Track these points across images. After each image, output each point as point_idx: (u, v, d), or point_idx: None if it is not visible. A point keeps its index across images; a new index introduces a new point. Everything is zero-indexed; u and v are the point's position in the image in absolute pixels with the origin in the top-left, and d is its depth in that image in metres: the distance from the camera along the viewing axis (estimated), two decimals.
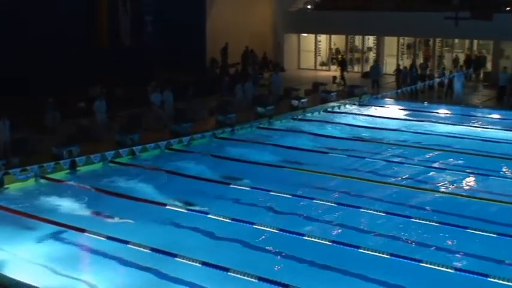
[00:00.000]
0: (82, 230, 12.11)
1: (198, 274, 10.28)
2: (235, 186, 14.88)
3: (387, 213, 13.08)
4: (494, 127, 22.39)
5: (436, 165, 17.18)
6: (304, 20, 37.46)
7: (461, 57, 34.20)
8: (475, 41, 35.37)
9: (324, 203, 13.65)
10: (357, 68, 38.05)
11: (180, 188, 14.85)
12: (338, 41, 39.42)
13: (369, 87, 29.34)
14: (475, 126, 22.51)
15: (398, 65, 32.40)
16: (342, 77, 32.26)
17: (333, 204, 13.55)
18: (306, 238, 11.66)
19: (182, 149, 18.61)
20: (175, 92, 21.91)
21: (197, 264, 10.51)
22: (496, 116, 24.63)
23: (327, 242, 11.40)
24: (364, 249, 11.00)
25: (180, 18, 28.09)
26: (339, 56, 36.39)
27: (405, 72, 30.06)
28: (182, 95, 23.16)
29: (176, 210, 13.39)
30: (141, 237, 11.65)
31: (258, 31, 37.07)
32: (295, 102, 24.92)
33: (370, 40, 38.48)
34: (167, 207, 13.54)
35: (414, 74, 29.76)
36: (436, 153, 18.38)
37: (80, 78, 22.81)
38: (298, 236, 11.79)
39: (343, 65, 33.60)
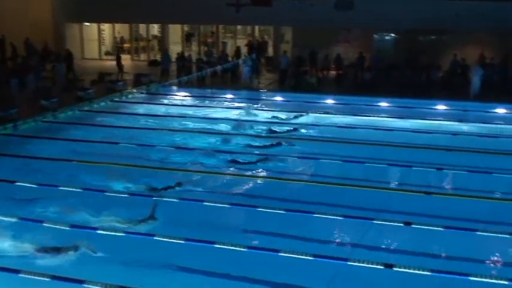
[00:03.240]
0: None
1: None
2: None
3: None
4: (276, 109, 23.61)
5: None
6: (84, 8, 36.38)
7: (244, 44, 35.74)
8: (257, 27, 37.15)
9: (113, 194, 13.43)
10: (143, 57, 37.99)
11: None
12: (122, 29, 38.99)
13: (156, 75, 29.53)
14: (263, 110, 23.68)
15: (181, 53, 32.83)
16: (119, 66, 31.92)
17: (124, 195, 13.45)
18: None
19: None
20: None
21: None
22: (279, 98, 26.14)
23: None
24: None
25: None
26: (123, 45, 36.06)
27: (189, 59, 30.67)
28: None
29: None
30: None
31: (38, 20, 35.29)
32: (80, 93, 24.24)
33: (155, 28, 38.63)
34: None
35: (200, 61, 30.51)
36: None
37: None
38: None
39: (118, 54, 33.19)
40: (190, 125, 20.64)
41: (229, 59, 31.87)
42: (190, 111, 23.03)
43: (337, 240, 11.00)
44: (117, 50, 33.71)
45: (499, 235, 10.84)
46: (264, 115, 22.52)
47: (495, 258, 10.24)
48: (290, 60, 30.06)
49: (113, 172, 14.45)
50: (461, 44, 30.99)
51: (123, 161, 15.57)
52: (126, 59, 34.54)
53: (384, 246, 10.71)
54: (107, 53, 38.42)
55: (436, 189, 13.83)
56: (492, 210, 12.48)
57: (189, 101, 25.92)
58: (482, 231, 10.93)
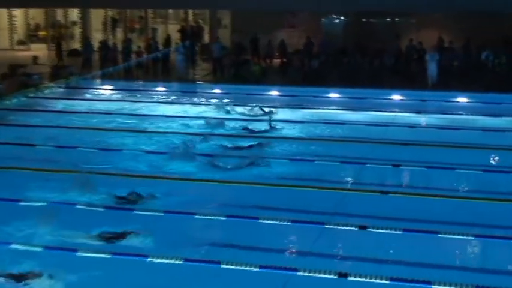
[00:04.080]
0: None
1: None
2: None
3: None
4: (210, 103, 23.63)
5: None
6: None
7: (176, 30, 35.46)
8: (191, 11, 36.86)
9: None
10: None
11: None
12: (37, 15, 38.12)
13: (77, 67, 29.00)
14: (198, 104, 23.49)
15: (104, 41, 32.30)
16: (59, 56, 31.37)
17: None
18: None
19: None
20: None
21: None
22: (217, 90, 25.98)
23: None
24: None
25: None
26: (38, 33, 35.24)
27: (113, 48, 30.24)
28: None
29: None
30: None
31: None
32: None
33: (75, 13, 37.88)
34: None
35: (125, 50, 30.12)
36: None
37: None
38: None
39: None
40: (117, 122, 20.31)
41: (160, 47, 31.53)
42: (116, 107, 22.70)
43: (285, 249, 10.92)
44: (57, 37, 32.92)
45: (463, 237, 10.94)
46: (196, 110, 22.45)
47: (459, 263, 10.34)
48: (224, 48, 30.00)
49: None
50: (418, 28, 31.54)
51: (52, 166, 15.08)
52: (41, 49, 33.76)
53: (336, 253, 10.68)
54: (20, 43, 37.48)
55: (392, 188, 13.88)
56: (455, 210, 12.60)
57: (115, 95, 25.54)
58: (445, 234, 10.98)
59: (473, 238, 10.98)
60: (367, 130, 19.25)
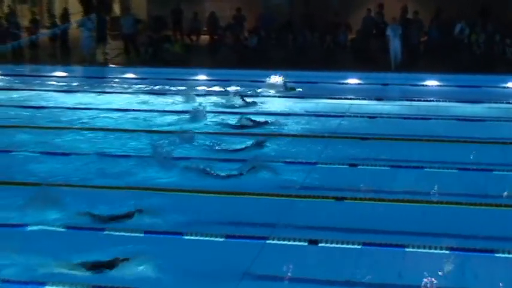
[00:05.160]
0: None
1: None
2: None
3: None
4: (125, 91, 23.64)
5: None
6: None
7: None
8: None
9: None
10: None
11: None
12: None
13: None
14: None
15: None
16: None
17: None
18: None
19: None
20: None
21: None
22: (131, 75, 25.90)
23: None
24: None
25: None
26: None
27: None
28: None
29: None
30: None
31: None
32: None
33: None
34: None
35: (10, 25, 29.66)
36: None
37: None
38: None
39: None
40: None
41: (57, 21, 31.07)
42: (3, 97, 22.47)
43: (220, 268, 10.77)
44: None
45: (435, 251, 10.99)
46: (104, 99, 22.36)
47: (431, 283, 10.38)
48: (138, 22, 29.80)
49: None
50: None
51: None
52: None
53: (283, 273, 10.59)
54: None
55: (349, 193, 13.75)
56: (425, 217, 12.67)
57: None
58: (413, 247, 11.05)
59: (447, 252, 10.98)
60: (317, 122, 19.30)
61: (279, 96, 22.70)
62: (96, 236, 11.79)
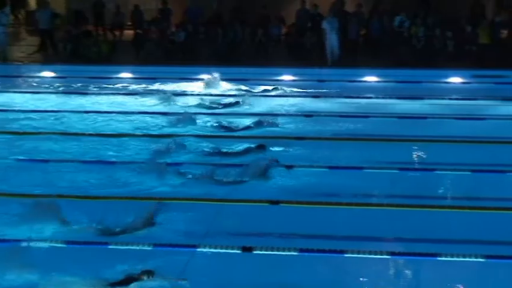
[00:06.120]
0: None
1: None
2: None
3: None
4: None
5: None
6: None
7: None
8: None
9: None
10: None
11: None
12: None
13: None
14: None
15: None
16: None
17: None
18: None
19: None
20: None
21: None
22: (48, 73, 25.61)
23: None
24: None
25: None
26: None
27: None
28: None
29: None
30: None
31: None
32: None
33: None
34: None
35: None
36: None
37: None
38: None
39: None
40: None
41: None
42: None
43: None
44: None
45: (375, 256, 11.00)
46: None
47: None
48: (56, 16, 29.51)
49: None
50: None
51: None
52: None
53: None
54: None
55: (283, 196, 13.72)
56: (363, 220, 12.66)
57: None
58: (352, 253, 10.97)
59: (388, 257, 10.98)
60: (248, 122, 19.22)
61: (210, 95, 22.60)
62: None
